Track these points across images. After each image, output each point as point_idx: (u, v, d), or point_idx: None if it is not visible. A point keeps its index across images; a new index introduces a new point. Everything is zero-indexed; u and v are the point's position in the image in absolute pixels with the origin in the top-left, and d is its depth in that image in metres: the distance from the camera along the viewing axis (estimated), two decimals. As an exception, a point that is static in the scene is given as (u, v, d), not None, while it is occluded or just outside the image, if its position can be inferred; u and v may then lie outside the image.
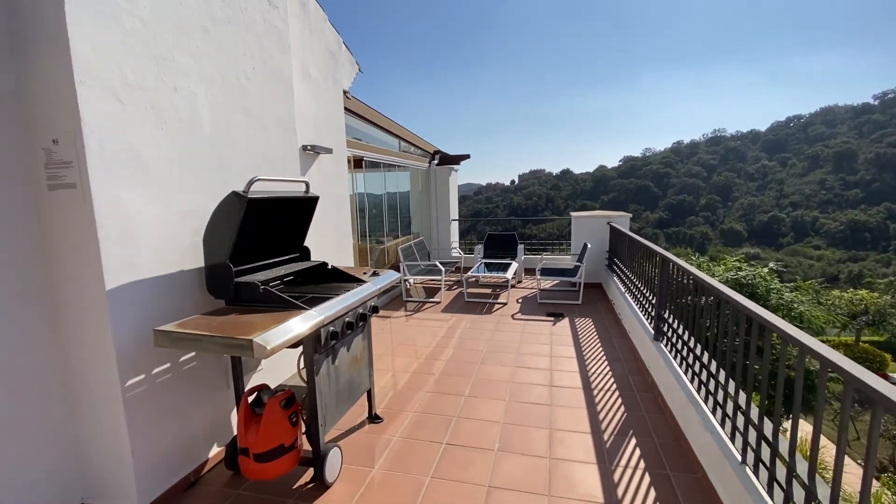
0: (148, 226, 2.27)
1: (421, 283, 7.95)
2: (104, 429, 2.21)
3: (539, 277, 6.85)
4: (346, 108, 5.31)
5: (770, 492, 1.89)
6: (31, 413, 2.09)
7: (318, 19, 4.55)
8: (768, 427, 1.98)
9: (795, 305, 11.57)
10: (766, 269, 11.92)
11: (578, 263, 6.67)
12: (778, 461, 1.89)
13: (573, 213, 7.97)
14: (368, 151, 6.68)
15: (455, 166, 10.32)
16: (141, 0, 2.22)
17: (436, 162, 9.99)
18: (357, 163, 6.41)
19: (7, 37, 1.98)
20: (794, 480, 1.74)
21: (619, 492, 2.40)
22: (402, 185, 9.13)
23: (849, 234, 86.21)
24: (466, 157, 10.23)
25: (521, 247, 8.08)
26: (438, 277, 7.07)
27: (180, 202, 2.47)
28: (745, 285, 11.82)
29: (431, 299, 6.90)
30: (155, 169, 2.30)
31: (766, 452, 1.98)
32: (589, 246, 6.89)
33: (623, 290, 5.57)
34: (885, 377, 19.95)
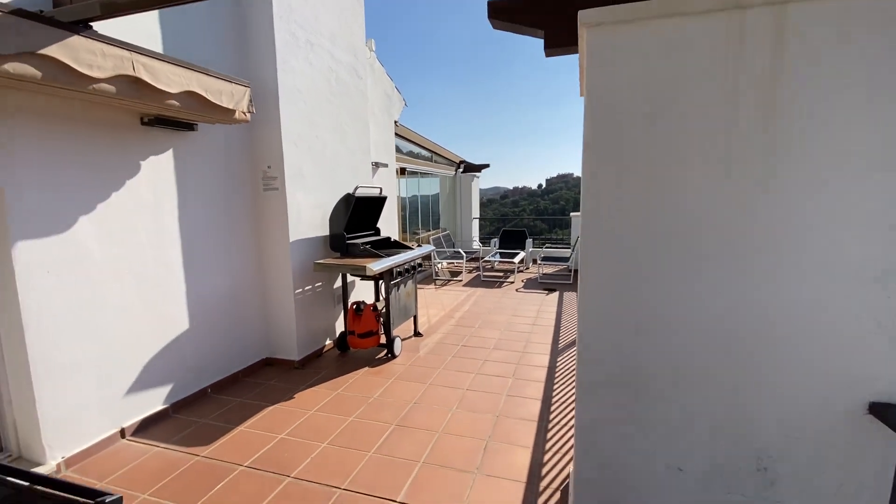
0: (305, 211, 4.29)
1: (447, 267, 9.88)
2: (282, 316, 4.23)
3: (540, 263, 8.67)
4: (395, 133, 7.32)
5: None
6: (248, 306, 4.12)
7: (379, 73, 6.58)
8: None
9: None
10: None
11: (571, 252, 8.46)
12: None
13: (572, 214, 9.74)
14: (409, 164, 8.68)
15: (477, 174, 12.24)
16: (305, 91, 4.25)
17: (461, 170, 11.93)
18: (400, 171, 8.41)
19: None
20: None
21: (558, 365, 4.24)
22: (433, 188, 11.11)
23: None
24: (486, 166, 12.13)
25: (529, 240, 9.92)
26: (461, 261, 8.99)
27: (317, 198, 4.48)
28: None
29: (455, 278, 8.83)
30: (308, 180, 4.32)
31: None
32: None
33: (601, 271, 7.33)
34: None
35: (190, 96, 2.85)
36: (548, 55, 1.81)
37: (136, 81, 2.51)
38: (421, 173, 9.81)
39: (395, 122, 7.28)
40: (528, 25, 1.68)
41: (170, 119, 3.18)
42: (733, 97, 1.26)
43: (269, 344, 4.33)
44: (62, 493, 1.08)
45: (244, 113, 3.33)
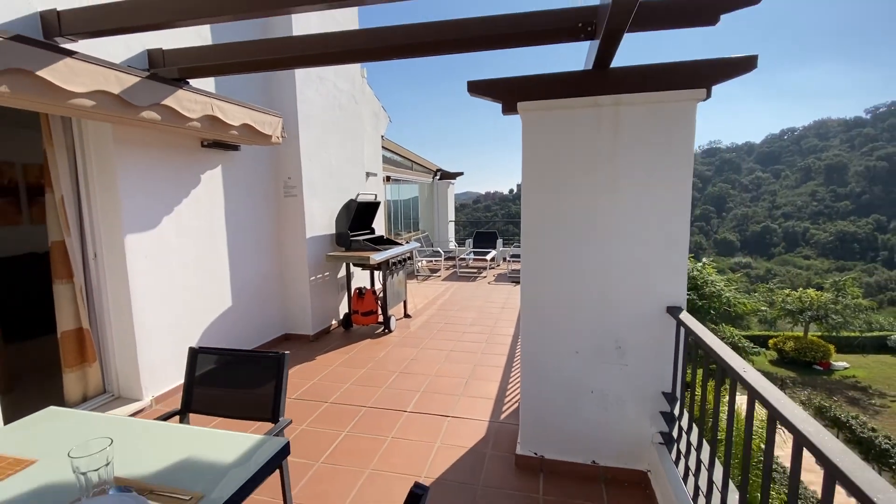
0: (317, 213, 5.27)
1: (426, 265, 10.93)
2: (298, 298, 5.18)
3: (509, 260, 9.85)
4: (381, 146, 8.35)
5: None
6: (271, 290, 5.05)
7: (369, 95, 7.60)
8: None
9: (724, 292, 14.53)
10: (700, 264, 14.92)
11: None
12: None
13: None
14: (394, 172, 9.71)
15: (452, 181, 13.37)
16: (317, 117, 5.24)
17: (437, 177, 13.03)
18: (385, 179, 9.42)
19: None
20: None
21: (520, 339, 5.34)
22: (413, 194, 12.15)
23: (838, 244, 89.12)
24: (461, 173, 13.28)
25: (499, 240, 11.10)
26: (439, 259, 10.06)
27: (325, 203, 5.46)
28: (688, 277, 14.84)
29: (434, 274, 9.89)
30: (319, 188, 5.30)
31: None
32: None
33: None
34: (828, 365, 22.75)
35: (245, 127, 3.82)
36: (504, 114, 2.91)
37: (213, 119, 3.48)
38: (402, 181, 10.84)
39: (382, 136, 8.30)
40: (492, 98, 2.76)
41: (222, 142, 4.13)
42: (597, 155, 2.38)
43: (286, 322, 5.27)
44: (259, 355, 2.08)
45: (278, 138, 4.31)
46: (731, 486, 1.74)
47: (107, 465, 1.22)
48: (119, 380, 3.55)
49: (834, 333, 23.06)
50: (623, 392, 2.48)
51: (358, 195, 5.50)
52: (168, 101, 3.07)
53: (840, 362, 22.96)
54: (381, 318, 5.48)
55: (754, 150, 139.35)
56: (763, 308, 23.19)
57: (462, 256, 10.17)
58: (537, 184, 2.54)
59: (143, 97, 2.91)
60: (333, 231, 5.58)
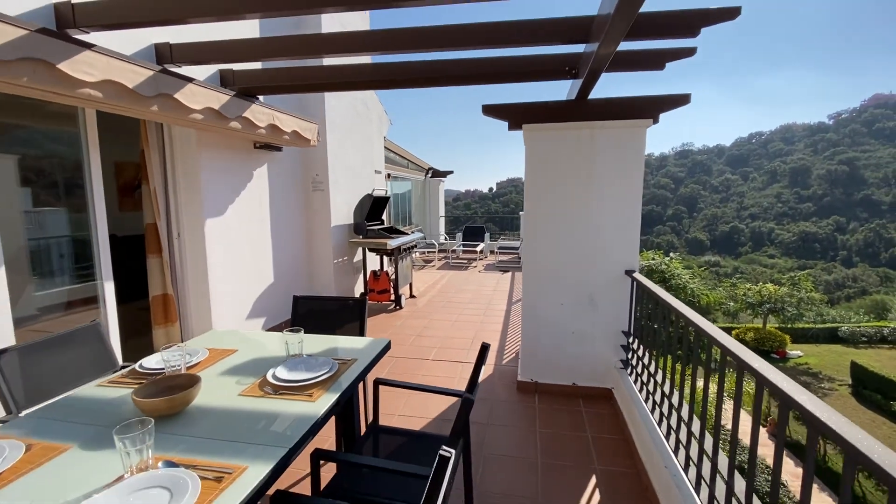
0: (339, 206, 6.13)
1: (421, 256, 11.85)
2: (323, 277, 6.04)
3: (497, 252, 10.85)
4: (384, 146, 9.21)
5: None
6: (301, 270, 5.89)
7: (375, 101, 8.46)
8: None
9: (689, 284, 15.90)
10: (668, 258, 16.27)
11: (521, 242, 10.70)
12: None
13: (521, 213, 12.02)
14: (393, 170, 10.58)
15: (442, 179, 14.30)
16: (339, 122, 6.09)
17: (429, 175, 13.94)
18: (386, 176, 10.27)
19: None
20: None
21: (511, 310, 6.33)
22: (407, 190, 13.02)
23: (800, 244, 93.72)
24: (451, 172, 14.23)
25: (487, 234, 12.11)
26: (433, 251, 10.98)
27: (345, 197, 6.32)
28: (657, 271, 16.20)
29: (429, 264, 10.81)
30: (341, 184, 6.17)
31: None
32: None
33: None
34: (784, 354, 24.62)
35: (293, 133, 4.67)
36: (510, 130, 3.86)
37: (274, 127, 4.32)
38: (399, 178, 11.71)
39: (385, 138, 9.17)
40: (502, 119, 3.71)
41: (270, 144, 4.96)
42: (578, 164, 3.36)
43: (313, 299, 6.11)
44: (347, 299, 2.98)
45: (315, 141, 5.16)
46: (660, 374, 2.74)
47: (301, 342, 2.13)
48: (195, 336, 4.36)
49: (790, 325, 25.00)
50: (594, 332, 3.48)
51: (373, 190, 6.39)
52: (246, 114, 3.91)
53: (795, 351, 24.90)
54: (392, 297, 6.38)
55: (724, 152, 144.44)
56: (728, 303, 24.99)
57: (453, 248, 11.13)
58: (537, 184, 3.51)
59: (232, 111, 3.75)
60: (351, 221, 6.45)
